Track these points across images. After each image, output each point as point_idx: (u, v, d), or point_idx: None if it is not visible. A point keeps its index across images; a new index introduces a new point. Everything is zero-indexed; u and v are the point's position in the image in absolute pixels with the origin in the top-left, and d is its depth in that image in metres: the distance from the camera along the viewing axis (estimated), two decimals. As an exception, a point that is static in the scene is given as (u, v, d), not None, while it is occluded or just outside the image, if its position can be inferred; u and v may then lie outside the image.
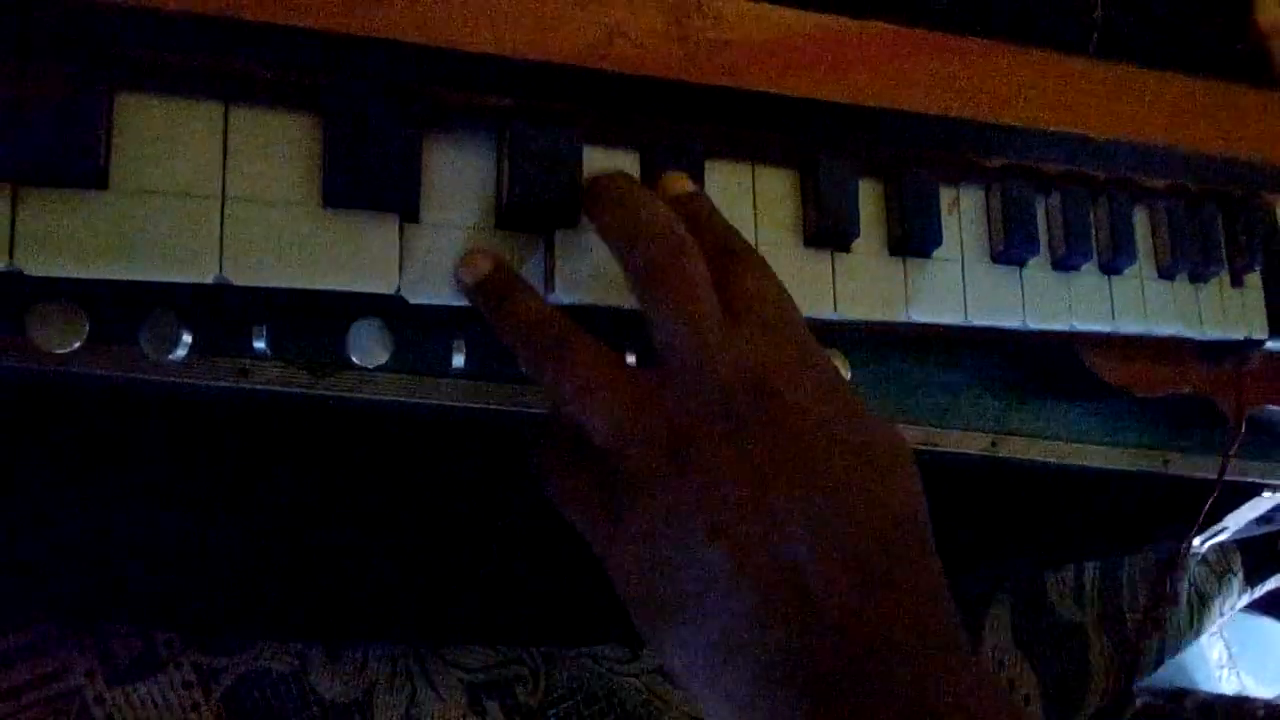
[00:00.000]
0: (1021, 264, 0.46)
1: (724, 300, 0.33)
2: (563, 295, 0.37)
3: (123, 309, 0.35)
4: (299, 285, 0.33)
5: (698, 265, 0.32)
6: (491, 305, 0.34)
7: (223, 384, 0.39)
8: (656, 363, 0.32)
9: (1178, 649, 0.75)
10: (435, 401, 0.42)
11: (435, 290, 0.35)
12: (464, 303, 0.36)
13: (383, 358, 0.39)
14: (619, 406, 0.31)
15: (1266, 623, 1.13)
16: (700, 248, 0.33)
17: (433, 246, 0.35)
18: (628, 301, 0.38)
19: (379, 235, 0.34)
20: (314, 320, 0.39)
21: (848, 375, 0.45)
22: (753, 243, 0.41)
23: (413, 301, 0.35)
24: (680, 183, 0.37)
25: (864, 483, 0.30)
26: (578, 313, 0.39)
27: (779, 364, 0.32)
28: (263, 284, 0.32)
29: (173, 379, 0.38)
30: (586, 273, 0.37)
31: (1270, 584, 0.80)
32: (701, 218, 0.35)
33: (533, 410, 0.43)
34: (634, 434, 0.31)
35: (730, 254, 0.34)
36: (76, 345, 0.34)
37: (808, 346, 0.33)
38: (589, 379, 0.32)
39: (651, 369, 0.32)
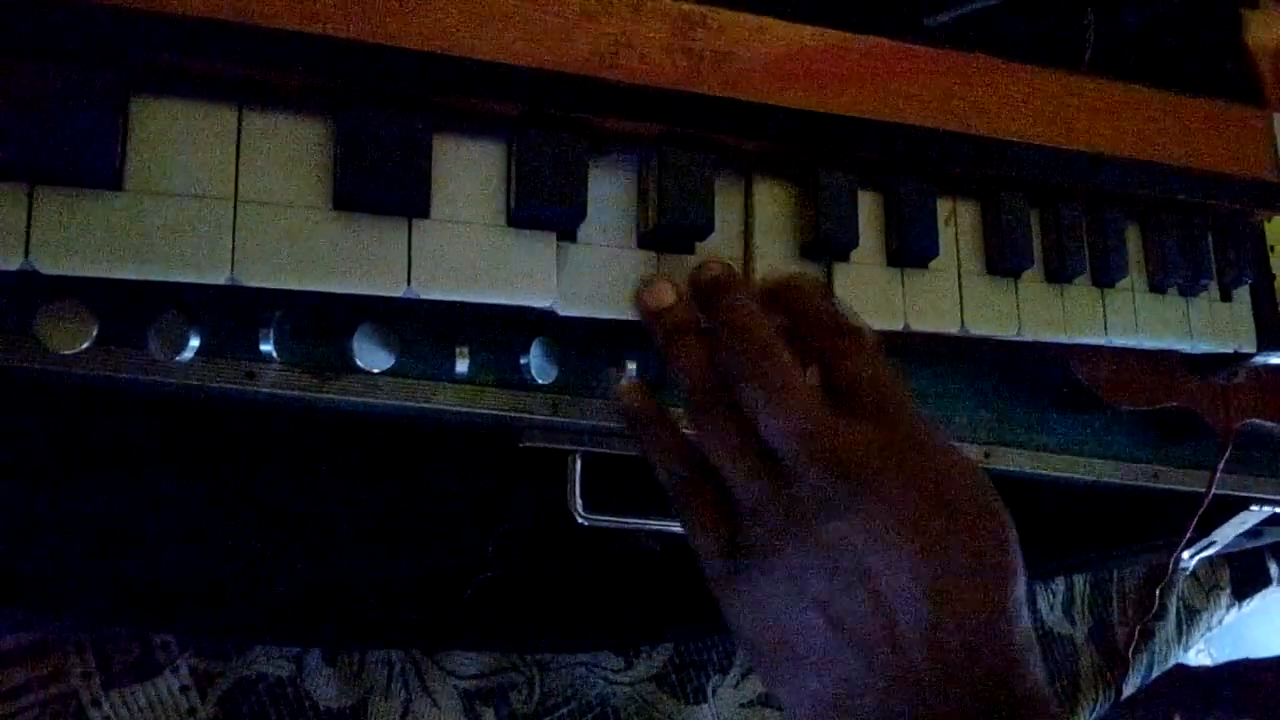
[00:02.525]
0: (1016, 275, 0.47)
1: (832, 383, 0.34)
2: (564, 308, 0.37)
3: (131, 311, 0.36)
4: (310, 287, 0.33)
5: (789, 368, 0.34)
6: (663, 340, 0.36)
7: (228, 386, 0.39)
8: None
9: (1166, 662, 0.76)
10: (437, 407, 0.42)
11: (444, 292, 0.35)
12: (472, 301, 0.36)
13: (387, 362, 0.39)
14: (751, 476, 0.33)
15: (1251, 636, 1.14)
16: (804, 331, 0.35)
17: (442, 248, 0.36)
18: (628, 314, 0.39)
19: (389, 239, 0.34)
20: (320, 324, 0.40)
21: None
22: (750, 253, 0.41)
23: (423, 297, 0.35)
24: (790, 276, 0.38)
25: (973, 568, 0.32)
26: (579, 324, 0.39)
27: (888, 447, 0.33)
28: (274, 285, 0.33)
29: (178, 381, 0.38)
30: (588, 285, 0.38)
31: (1257, 598, 0.81)
32: (803, 305, 0.36)
33: (531, 416, 0.43)
34: (762, 504, 0.33)
35: (835, 336, 0.35)
36: (85, 346, 0.34)
37: (917, 427, 0.34)
38: (738, 450, 0.34)
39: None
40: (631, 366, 0.43)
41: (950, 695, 0.31)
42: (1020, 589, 0.33)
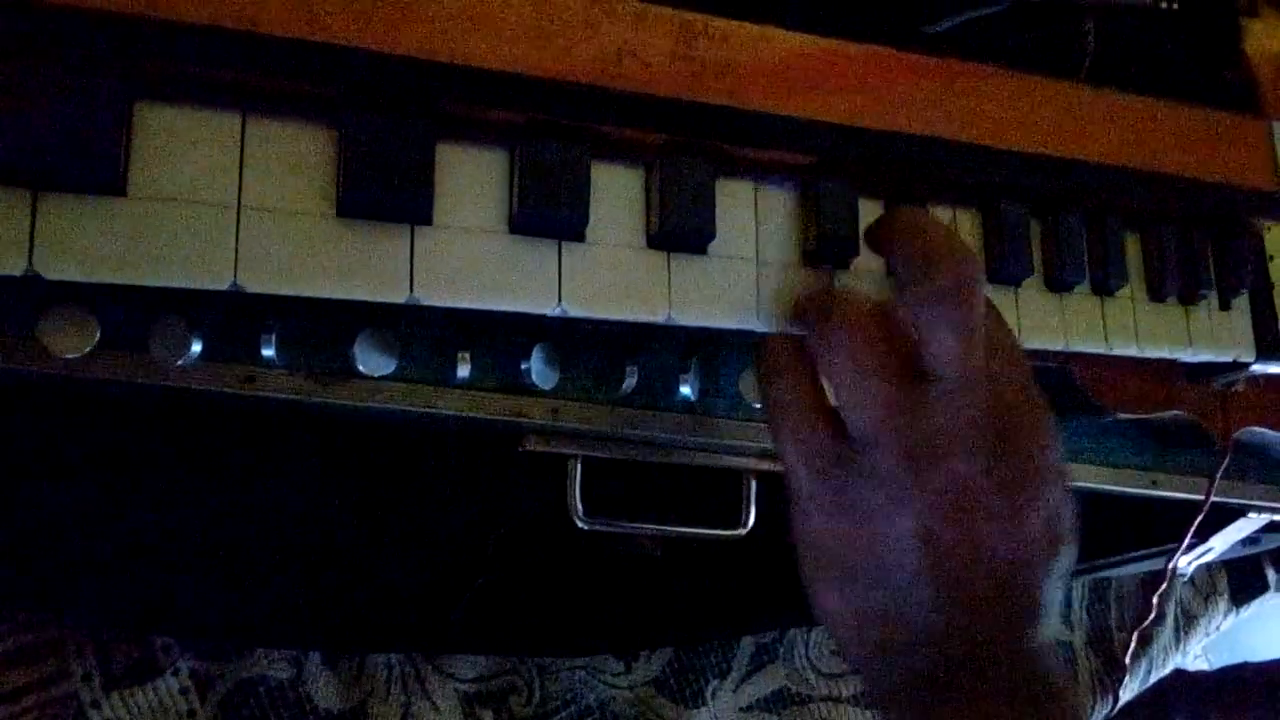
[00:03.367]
0: (1016, 284, 0.47)
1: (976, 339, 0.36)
2: (569, 308, 0.37)
3: (133, 315, 0.36)
4: (312, 294, 0.33)
5: (981, 297, 0.36)
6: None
7: (228, 391, 0.39)
8: (926, 377, 0.36)
9: (1164, 667, 0.76)
10: (438, 411, 0.42)
11: (446, 298, 0.36)
12: (474, 308, 0.36)
13: (388, 367, 0.39)
14: (889, 404, 0.35)
15: (1248, 642, 1.14)
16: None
17: (445, 255, 0.36)
18: (634, 315, 0.39)
19: (392, 246, 0.35)
20: (321, 329, 0.40)
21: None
22: (754, 259, 0.41)
23: (425, 304, 0.36)
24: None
25: (1048, 536, 0.36)
26: (580, 329, 0.40)
27: (1022, 402, 0.37)
28: (277, 292, 0.33)
29: (179, 385, 0.38)
30: (593, 287, 0.38)
31: (1255, 604, 0.81)
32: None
33: (532, 421, 0.43)
34: (891, 432, 0.35)
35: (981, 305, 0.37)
36: (87, 350, 0.35)
37: (1035, 389, 0.38)
38: (875, 367, 0.35)
39: (920, 383, 0.36)
40: (632, 372, 0.43)
41: (995, 620, 0.35)
42: (1067, 569, 0.37)
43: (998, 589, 0.35)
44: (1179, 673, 0.83)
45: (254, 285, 0.33)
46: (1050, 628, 0.36)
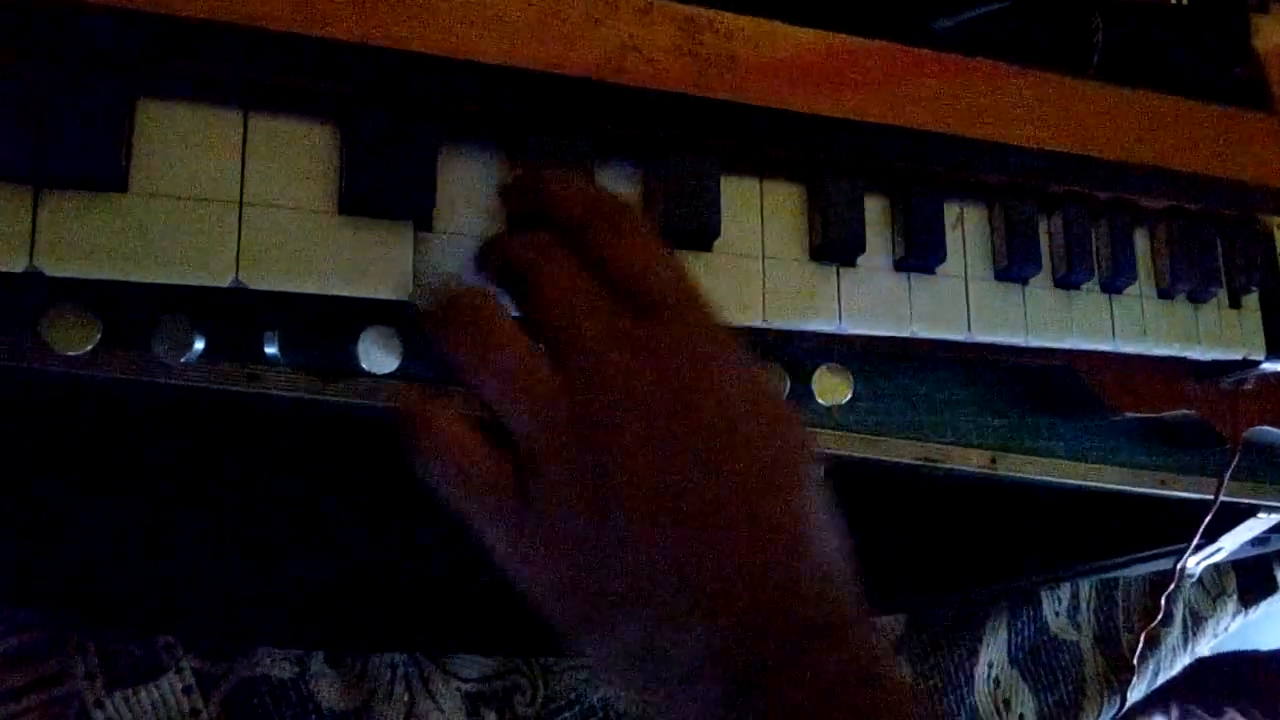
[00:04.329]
0: (1024, 282, 0.46)
1: (621, 289, 0.31)
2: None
3: (135, 313, 0.36)
4: (314, 291, 0.33)
5: (562, 255, 0.32)
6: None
7: (231, 389, 0.39)
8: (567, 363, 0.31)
9: (1172, 668, 0.75)
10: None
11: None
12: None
13: (391, 365, 0.39)
14: (538, 401, 0.30)
15: (1257, 643, 1.14)
16: (567, 221, 0.33)
17: (446, 254, 0.36)
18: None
19: (394, 243, 0.34)
20: (324, 327, 0.40)
21: (849, 392, 0.46)
22: (760, 255, 0.41)
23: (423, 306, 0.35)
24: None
25: (772, 488, 0.31)
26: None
27: (685, 349, 0.31)
28: (278, 289, 0.33)
29: (181, 383, 0.38)
30: None
31: (1264, 605, 0.80)
32: (561, 193, 0.34)
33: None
34: (553, 431, 0.30)
35: (606, 224, 0.33)
36: (89, 348, 0.34)
37: (715, 333, 0.32)
38: (516, 368, 0.30)
39: (566, 370, 0.31)
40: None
41: (761, 628, 0.29)
42: (821, 517, 0.32)
43: (753, 583, 0.29)
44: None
45: (256, 282, 0.33)
46: (848, 609, 0.31)
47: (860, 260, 0.43)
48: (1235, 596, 0.79)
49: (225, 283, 0.32)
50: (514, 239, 0.33)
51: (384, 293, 0.34)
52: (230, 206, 0.33)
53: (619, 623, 0.30)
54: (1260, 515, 0.62)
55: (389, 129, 0.34)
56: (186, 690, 0.46)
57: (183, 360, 0.36)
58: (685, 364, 0.31)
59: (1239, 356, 0.52)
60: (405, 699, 0.51)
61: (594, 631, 0.31)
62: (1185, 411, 0.54)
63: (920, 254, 0.43)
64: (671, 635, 0.29)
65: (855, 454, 0.48)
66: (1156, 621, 0.71)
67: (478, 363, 0.31)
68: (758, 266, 0.41)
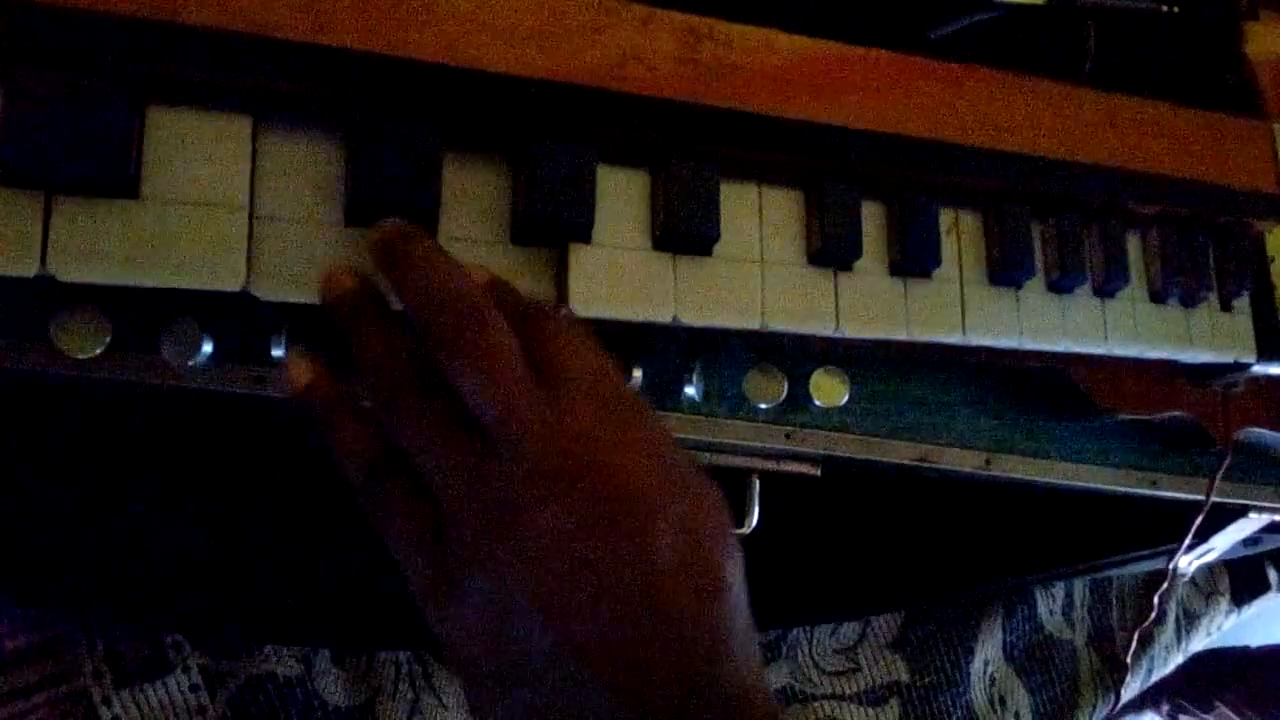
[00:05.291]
0: (1018, 286, 0.47)
1: (539, 365, 0.31)
2: (578, 309, 0.38)
3: (144, 317, 0.36)
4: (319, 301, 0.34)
5: (502, 333, 0.31)
6: (348, 326, 0.33)
7: (237, 390, 0.39)
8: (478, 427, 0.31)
9: (1165, 667, 0.76)
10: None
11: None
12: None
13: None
14: (453, 469, 0.30)
15: (1250, 642, 1.15)
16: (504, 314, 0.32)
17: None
18: (641, 316, 0.39)
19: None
20: (331, 329, 0.40)
21: (846, 394, 0.46)
22: (759, 260, 0.42)
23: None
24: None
25: (686, 557, 0.30)
26: (591, 325, 0.40)
27: (596, 431, 0.31)
28: (286, 299, 0.33)
29: (188, 385, 0.39)
30: (600, 288, 0.38)
31: (1256, 604, 0.81)
32: (497, 286, 0.34)
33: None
34: (467, 496, 0.30)
35: (537, 318, 0.33)
36: (98, 351, 0.35)
37: (628, 407, 0.32)
38: (433, 436, 0.31)
39: (478, 436, 0.31)
40: (638, 374, 0.43)
41: (665, 698, 0.29)
42: (736, 588, 0.31)
43: (641, 647, 0.29)
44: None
45: (266, 294, 0.33)
46: (751, 670, 0.31)
47: (857, 264, 0.44)
48: (1228, 595, 0.79)
49: (235, 288, 0.33)
50: (467, 283, 0.32)
51: (391, 303, 0.35)
52: (240, 213, 0.33)
53: (513, 685, 0.30)
54: (1251, 515, 0.62)
55: (394, 138, 0.34)
56: (193, 688, 0.47)
57: (191, 363, 0.36)
58: (599, 443, 0.30)
59: (1230, 359, 0.53)
60: (410, 696, 0.51)
61: (499, 698, 0.30)
62: (1177, 413, 0.54)
63: (916, 258, 0.44)
64: (562, 701, 0.29)
65: (852, 455, 0.49)
66: (1150, 620, 0.72)
67: (401, 408, 0.31)
68: (756, 271, 0.42)
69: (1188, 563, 0.71)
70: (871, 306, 0.44)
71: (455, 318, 0.30)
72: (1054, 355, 0.49)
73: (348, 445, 0.33)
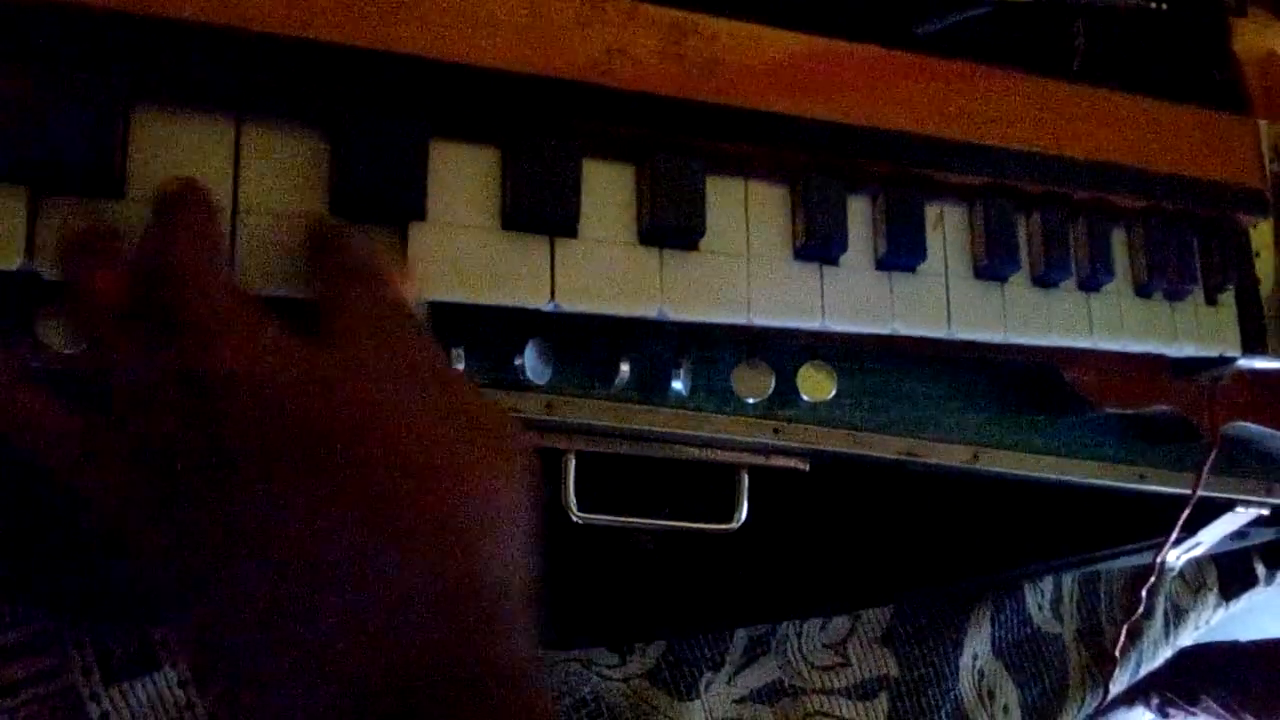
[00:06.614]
0: (1003, 280, 0.47)
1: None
2: (563, 303, 0.38)
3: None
4: (308, 296, 0.34)
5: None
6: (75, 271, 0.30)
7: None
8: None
9: (1154, 660, 0.76)
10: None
11: (441, 294, 0.36)
12: (468, 303, 0.36)
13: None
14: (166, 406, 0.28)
15: (1238, 636, 1.16)
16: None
17: (438, 252, 0.36)
18: (627, 310, 0.39)
19: (386, 243, 0.35)
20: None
21: (834, 389, 0.46)
22: (745, 254, 0.42)
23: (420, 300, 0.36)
24: None
25: (445, 538, 0.28)
26: (574, 324, 0.40)
27: (358, 394, 0.28)
28: (272, 293, 0.33)
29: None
30: (586, 281, 0.38)
31: (1244, 598, 0.81)
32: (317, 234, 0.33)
33: (526, 415, 0.44)
34: (183, 447, 0.28)
35: (351, 279, 0.31)
36: (84, 346, 0.35)
37: (411, 369, 0.30)
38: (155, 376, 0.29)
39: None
40: (625, 368, 0.43)
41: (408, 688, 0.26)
42: (516, 564, 0.30)
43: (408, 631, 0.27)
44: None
45: (250, 286, 0.33)
46: (520, 650, 0.29)
47: (843, 259, 0.44)
48: (1216, 589, 0.80)
49: (220, 282, 0.33)
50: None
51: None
52: (223, 212, 0.33)
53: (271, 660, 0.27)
54: (1238, 509, 0.63)
55: (379, 131, 0.34)
56: (182, 684, 0.46)
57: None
58: (355, 397, 0.28)
59: (1215, 353, 0.53)
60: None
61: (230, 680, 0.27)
62: (1163, 407, 0.55)
63: (901, 253, 0.44)
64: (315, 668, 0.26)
65: (839, 449, 0.49)
66: (1138, 614, 0.72)
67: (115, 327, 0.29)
68: (743, 265, 0.42)
69: (1175, 557, 0.71)
70: (857, 301, 0.44)
71: (168, 289, 0.28)
72: (1040, 349, 0.49)
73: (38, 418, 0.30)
